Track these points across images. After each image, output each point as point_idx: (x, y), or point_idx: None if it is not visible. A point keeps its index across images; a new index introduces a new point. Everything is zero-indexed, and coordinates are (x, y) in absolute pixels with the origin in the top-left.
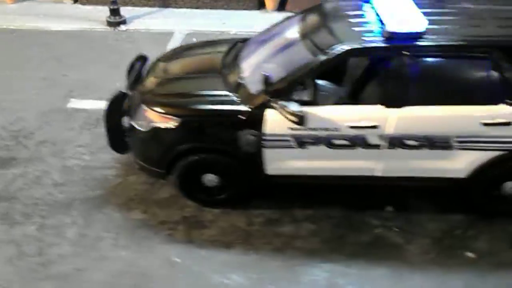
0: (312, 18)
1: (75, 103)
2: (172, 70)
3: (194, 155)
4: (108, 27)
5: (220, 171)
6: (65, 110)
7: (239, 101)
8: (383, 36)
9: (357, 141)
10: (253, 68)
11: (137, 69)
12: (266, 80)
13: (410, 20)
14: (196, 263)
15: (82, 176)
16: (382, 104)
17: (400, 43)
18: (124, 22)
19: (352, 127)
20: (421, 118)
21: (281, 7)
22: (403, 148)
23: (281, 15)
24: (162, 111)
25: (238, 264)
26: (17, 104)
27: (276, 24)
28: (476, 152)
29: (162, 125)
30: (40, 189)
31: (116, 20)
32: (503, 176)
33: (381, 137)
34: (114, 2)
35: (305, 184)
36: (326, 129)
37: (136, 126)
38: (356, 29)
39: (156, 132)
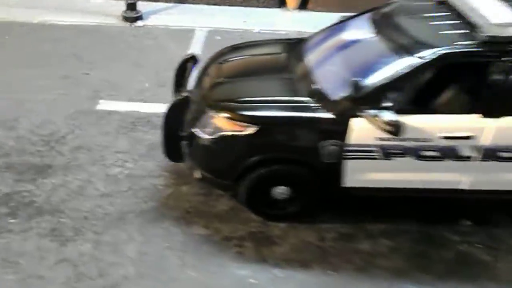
0: (386, 19)
1: (105, 105)
2: (232, 72)
3: (267, 166)
4: (124, 22)
5: (293, 183)
6: (95, 112)
7: (318, 108)
8: (479, 40)
9: (447, 152)
10: (327, 72)
11: (189, 71)
12: (356, 86)
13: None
14: (273, 284)
15: (129, 186)
16: (478, 113)
17: (502, 48)
18: (140, 17)
19: (444, 137)
20: None
21: (302, 6)
22: (497, 160)
23: (303, 14)
24: (235, 118)
25: (318, 285)
26: (41, 105)
27: (335, 25)
28: None
29: (234, 133)
30: (86, 201)
31: (132, 15)
32: None
33: (475, 148)
34: None
35: (383, 197)
36: (417, 140)
37: (200, 134)
38: (444, 32)
39: (226, 140)
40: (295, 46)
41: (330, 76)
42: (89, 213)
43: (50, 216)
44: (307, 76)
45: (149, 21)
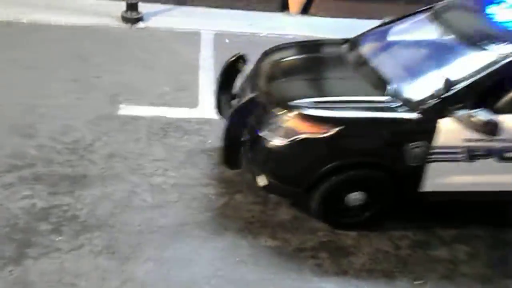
0: (452, 17)
1: (126, 110)
2: (293, 72)
3: (345, 171)
4: (123, 23)
5: (369, 189)
6: (118, 118)
7: (401, 109)
8: None
9: None
10: (401, 72)
11: (237, 72)
12: (447, 85)
13: None
14: None
15: (178, 196)
16: None
17: None
18: (141, 19)
19: None
20: None
21: (304, 11)
22: None
23: (306, 19)
24: (315, 119)
25: None
26: (56, 110)
27: (385, 25)
28: None
29: (314, 135)
30: (135, 213)
31: (133, 16)
32: None
33: None
34: None
35: (458, 201)
36: (504, 140)
37: (271, 138)
38: None
39: (303, 144)
40: (347, 46)
41: (405, 75)
42: (142, 227)
43: (100, 232)
44: (377, 76)
45: (151, 23)
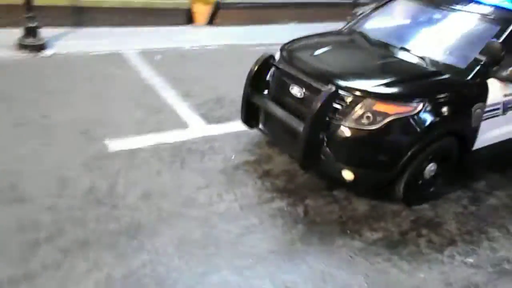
0: None
1: (116, 145)
2: (336, 61)
3: (429, 145)
4: (26, 52)
5: (441, 157)
6: (115, 155)
7: (455, 76)
8: None
9: None
10: (437, 44)
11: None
12: (495, 48)
13: None
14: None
15: (257, 217)
16: None
17: None
18: (44, 45)
19: None
20: None
21: (210, 22)
22: None
23: (215, 29)
24: (401, 99)
25: None
26: (28, 164)
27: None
28: None
29: (402, 116)
30: (232, 248)
31: (35, 43)
32: None
33: None
34: (31, 18)
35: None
36: None
37: (357, 127)
38: None
39: (393, 126)
40: (359, 34)
41: (442, 47)
42: (254, 259)
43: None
44: (412, 53)
45: (58, 49)
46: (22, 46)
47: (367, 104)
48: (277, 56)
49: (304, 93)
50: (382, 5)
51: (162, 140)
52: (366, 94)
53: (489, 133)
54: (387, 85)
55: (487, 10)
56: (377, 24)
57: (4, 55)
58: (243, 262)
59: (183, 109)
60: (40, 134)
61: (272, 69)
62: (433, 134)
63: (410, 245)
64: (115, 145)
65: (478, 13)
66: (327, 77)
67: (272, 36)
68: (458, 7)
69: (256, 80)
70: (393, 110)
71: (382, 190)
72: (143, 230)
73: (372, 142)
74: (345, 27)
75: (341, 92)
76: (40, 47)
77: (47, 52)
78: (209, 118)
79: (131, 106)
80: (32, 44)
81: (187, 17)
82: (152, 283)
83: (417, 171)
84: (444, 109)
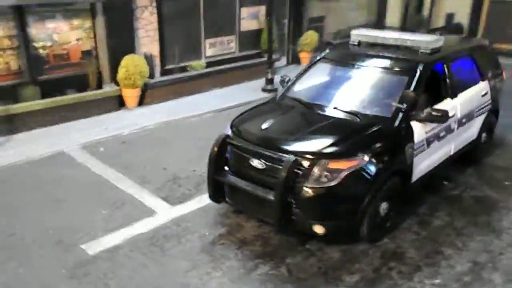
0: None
1: (93, 247)
2: (287, 129)
3: (383, 186)
4: None
5: (390, 195)
6: (96, 258)
7: (384, 124)
8: None
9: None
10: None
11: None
12: (410, 97)
13: None
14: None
15: (253, 285)
16: None
17: None
18: None
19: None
20: None
21: (140, 103)
22: None
23: (146, 109)
24: (349, 155)
25: None
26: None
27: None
28: None
29: (353, 168)
30: None
31: None
32: None
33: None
34: None
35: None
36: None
37: (321, 185)
38: None
39: (352, 177)
40: (293, 100)
41: (367, 101)
42: None
43: None
44: (344, 110)
45: (1, 160)
46: None
47: (322, 164)
48: (229, 132)
49: (265, 163)
50: (306, 70)
51: (135, 232)
52: (320, 156)
53: (421, 165)
54: (335, 144)
55: (394, 62)
56: (305, 87)
57: None
58: None
59: (145, 196)
60: (15, 255)
61: (229, 146)
62: (382, 177)
63: (386, 280)
64: (93, 248)
65: (389, 67)
66: (283, 147)
67: (202, 104)
68: (371, 63)
69: (217, 160)
70: (346, 165)
71: (349, 234)
72: None
73: (334, 197)
74: (278, 96)
75: (299, 158)
76: None
77: None
78: (172, 200)
79: (93, 205)
80: None
81: (118, 102)
82: None
83: (374, 212)
84: (385, 154)
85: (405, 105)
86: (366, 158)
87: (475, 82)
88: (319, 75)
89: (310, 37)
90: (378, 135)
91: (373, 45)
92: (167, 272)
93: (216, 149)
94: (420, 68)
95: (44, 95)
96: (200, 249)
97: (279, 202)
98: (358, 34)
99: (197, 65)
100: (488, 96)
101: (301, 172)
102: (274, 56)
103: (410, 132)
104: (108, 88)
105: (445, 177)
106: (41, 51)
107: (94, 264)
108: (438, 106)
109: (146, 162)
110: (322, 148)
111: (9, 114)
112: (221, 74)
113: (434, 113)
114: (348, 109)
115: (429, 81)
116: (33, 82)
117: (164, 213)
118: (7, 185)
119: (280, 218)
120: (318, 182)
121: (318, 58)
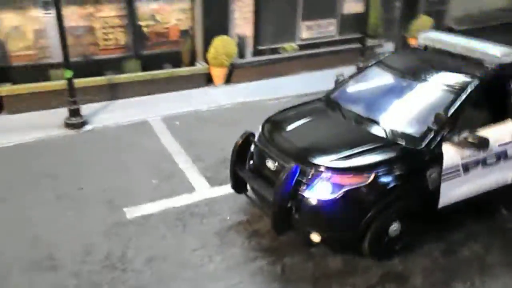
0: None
1: (133, 212)
2: (306, 137)
3: (389, 207)
4: (69, 130)
5: (404, 217)
6: (130, 222)
7: (409, 144)
8: None
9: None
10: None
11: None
12: (441, 119)
13: None
14: None
15: (238, 277)
16: None
17: None
18: (86, 122)
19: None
20: None
21: (227, 81)
22: None
23: (230, 88)
24: (353, 172)
25: None
26: (61, 233)
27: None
28: None
29: (354, 186)
30: None
31: (78, 121)
32: None
33: None
34: (74, 102)
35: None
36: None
37: (320, 196)
38: None
39: (353, 194)
40: (332, 103)
41: (402, 116)
42: None
43: None
44: (376, 123)
45: (96, 123)
46: (67, 125)
47: (325, 177)
48: (257, 133)
49: (276, 166)
50: (358, 73)
51: (170, 205)
52: (324, 168)
53: (454, 192)
54: (343, 158)
55: (445, 77)
56: (350, 92)
57: (52, 134)
58: None
59: (193, 173)
60: (73, 205)
61: (252, 145)
62: (388, 199)
63: None
64: (132, 213)
65: (439, 82)
66: (293, 154)
67: (284, 88)
68: (422, 75)
69: (240, 153)
70: (347, 181)
71: (346, 248)
72: None
73: (332, 210)
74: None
75: (303, 166)
76: (82, 124)
77: (88, 127)
78: (213, 181)
79: (148, 173)
80: (75, 122)
81: (207, 79)
82: None
83: (380, 231)
84: (396, 177)
85: (435, 127)
86: (372, 177)
87: None
88: (367, 80)
89: (422, 22)
90: (395, 155)
91: (439, 51)
92: (178, 247)
93: (238, 144)
94: (471, 86)
95: (144, 68)
96: (215, 232)
97: (275, 203)
98: (426, 38)
99: (289, 48)
100: None
101: (304, 180)
102: (375, 42)
103: (437, 155)
104: (199, 66)
105: (507, 206)
106: (145, 29)
107: (126, 227)
108: (497, 126)
109: (209, 140)
110: (329, 161)
111: (113, 83)
112: (313, 57)
113: (470, 139)
114: (380, 122)
115: (487, 99)
116: (136, 56)
117: (202, 192)
118: (96, 145)
119: (276, 219)
120: (318, 193)
121: (374, 62)
